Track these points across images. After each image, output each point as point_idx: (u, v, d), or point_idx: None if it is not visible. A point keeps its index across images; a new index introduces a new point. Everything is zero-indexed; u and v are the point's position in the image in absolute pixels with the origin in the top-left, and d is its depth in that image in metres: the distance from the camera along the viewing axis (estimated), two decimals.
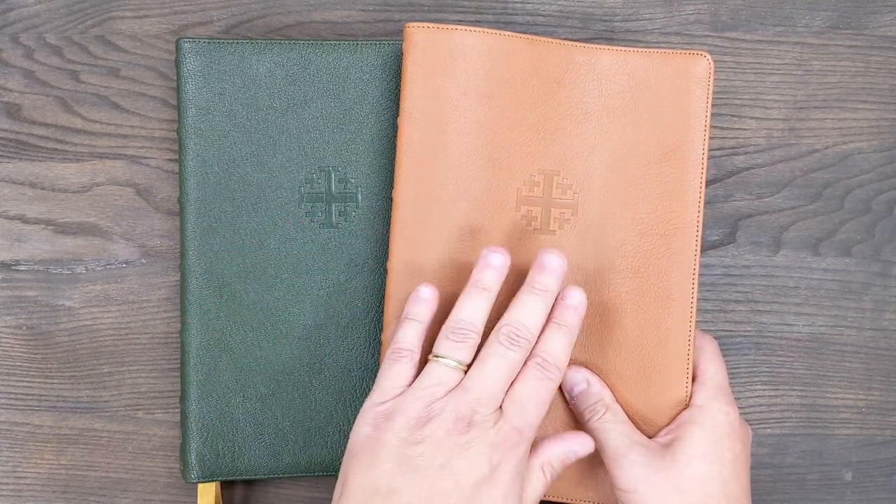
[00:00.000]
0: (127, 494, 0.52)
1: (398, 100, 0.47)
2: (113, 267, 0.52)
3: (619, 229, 0.47)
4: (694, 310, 0.47)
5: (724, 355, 0.53)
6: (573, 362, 0.47)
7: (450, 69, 0.45)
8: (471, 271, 0.44)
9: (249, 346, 0.48)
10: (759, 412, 0.53)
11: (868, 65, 0.54)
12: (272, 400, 0.48)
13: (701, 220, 0.47)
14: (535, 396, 0.40)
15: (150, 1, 0.52)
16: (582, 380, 0.46)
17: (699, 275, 0.53)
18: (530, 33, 0.47)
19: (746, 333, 0.54)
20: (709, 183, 0.54)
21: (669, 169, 0.47)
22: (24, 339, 0.52)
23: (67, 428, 0.52)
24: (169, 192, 0.52)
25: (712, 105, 0.53)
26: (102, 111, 0.52)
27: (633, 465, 0.43)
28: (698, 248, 0.47)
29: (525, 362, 0.41)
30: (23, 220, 0.52)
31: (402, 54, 0.46)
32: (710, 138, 0.54)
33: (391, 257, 0.46)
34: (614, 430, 0.44)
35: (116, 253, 0.52)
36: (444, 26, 0.45)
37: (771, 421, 0.53)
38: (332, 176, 0.48)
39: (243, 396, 0.47)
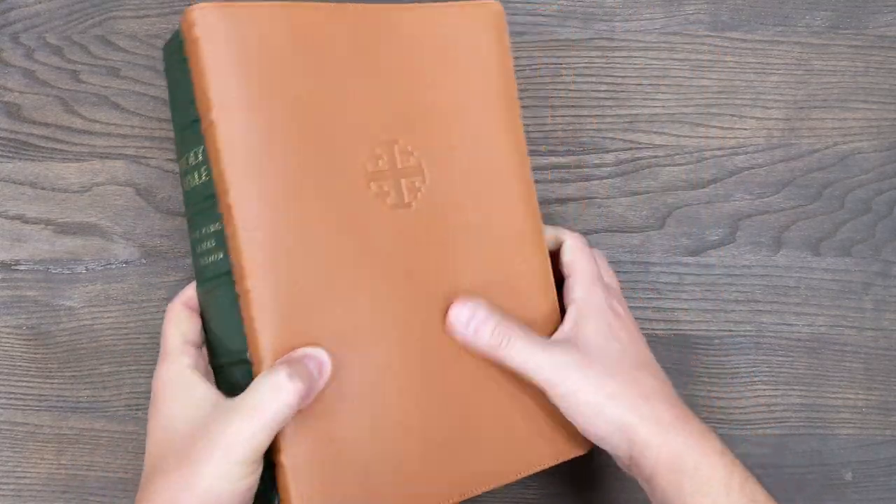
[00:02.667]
0: (127, 494, 0.52)
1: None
2: (113, 267, 0.52)
3: (466, 180, 0.45)
4: (537, 212, 0.47)
5: (724, 355, 0.53)
6: (450, 294, 0.44)
7: (259, 49, 0.40)
8: (343, 271, 0.41)
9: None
10: (759, 412, 0.53)
11: (868, 65, 0.54)
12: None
13: (525, 150, 0.47)
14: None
15: (150, 1, 0.52)
16: (468, 313, 0.43)
17: (698, 274, 0.54)
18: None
19: (746, 333, 0.54)
20: (709, 183, 0.54)
21: (493, 113, 0.46)
22: (24, 339, 0.52)
23: (67, 428, 0.52)
24: (169, 192, 0.52)
25: (714, 104, 0.53)
26: (102, 111, 0.52)
27: (560, 367, 0.42)
28: (528, 166, 0.47)
29: None
30: (23, 220, 0.52)
31: (182, 41, 0.40)
32: (711, 138, 0.54)
33: (244, 279, 0.39)
34: (527, 349, 0.43)
35: (116, 253, 0.52)
36: (238, 4, 0.40)
37: (771, 421, 0.53)
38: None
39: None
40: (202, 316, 0.43)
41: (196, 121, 0.40)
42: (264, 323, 0.39)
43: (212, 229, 0.42)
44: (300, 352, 0.39)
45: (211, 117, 0.39)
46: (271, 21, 0.41)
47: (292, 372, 0.37)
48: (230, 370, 0.41)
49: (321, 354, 0.39)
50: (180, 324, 0.42)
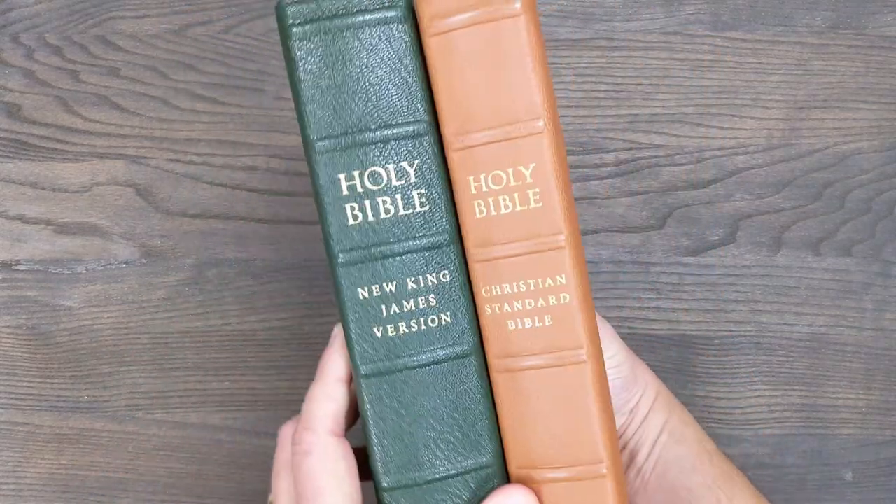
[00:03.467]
0: (127, 494, 0.52)
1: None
2: (113, 267, 0.52)
3: None
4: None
5: (724, 355, 0.53)
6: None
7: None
8: None
9: None
10: (759, 412, 0.53)
11: (868, 65, 0.54)
12: None
13: None
14: None
15: (150, 1, 0.52)
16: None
17: (698, 274, 0.54)
18: None
19: (747, 333, 0.54)
20: (709, 183, 0.54)
21: None
22: (24, 339, 0.52)
23: (67, 428, 0.52)
24: (169, 192, 0.52)
25: (714, 104, 0.53)
26: (102, 111, 0.52)
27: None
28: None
29: None
30: (23, 220, 0.52)
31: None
32: (711, 138, 0.54)
33: (579, 348, 0.30)
34: None
35: (116, 253, 0.52)
36: None
37: (771, 421, 0.53)
38: None
39: None
40: (363, 410, 0.31)
41: (418, 122, 0.30)
42: (603, 415, 0.30)
43: (428, 282, 0.30)
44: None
45: (536, 125, 0.29)
46: None
47: None
48: (430, 487, 0.31)
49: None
50: (342, 482, 0.30)
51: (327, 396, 0.31)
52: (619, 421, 0.42)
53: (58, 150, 0.52)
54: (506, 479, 0.31)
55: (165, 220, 0.52)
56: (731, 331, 0.54)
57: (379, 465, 0.31)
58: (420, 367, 0.30)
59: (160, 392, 0.52)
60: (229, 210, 0.52)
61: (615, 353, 0.40)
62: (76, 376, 0.52)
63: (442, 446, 0.30)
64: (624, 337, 0.45)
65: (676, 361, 0.53)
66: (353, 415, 0.33)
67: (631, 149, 0.53)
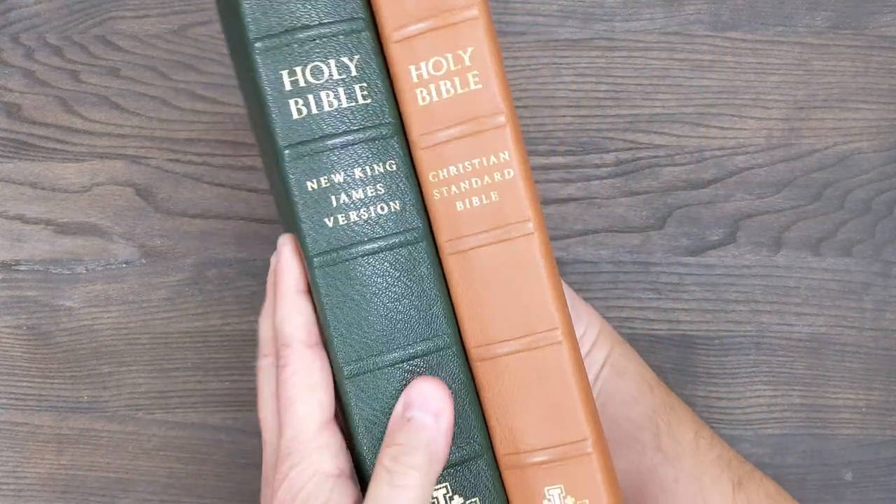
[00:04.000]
0: (127, 494, 0.52)
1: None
2: (113, 267, 0.52)
3: None
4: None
5: (724, 355, 0.53)
6: None
7: None
8: None
9: None
10: (760, 412, 0.53)
11: (868, 65, 0.54)
12: None
13: None
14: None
15: (150, 1, 0.52)
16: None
17: (699, 274, 0.54)
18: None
19: (747, 333, 0.54)
20: (709, 183, 0.54)
21: None
22: (24, 339, 0.52)
23: (67, 428, 0.52)
24: (169, 192, 0.52)
25: (714, 104, 0.53)
26: (102, 111, 0.52)
27: None
28: None
29: None
30: (23, 220, 0.52)
31: None
32: (711, 138, 0.54)
33: (527, 221, 0.31)
34: None
35: (116, 253, 0.52)
36: None
37: (771, 421, 0.53)
38: None
39: None
40: (319, 302, 0.32)
41: (355, 19, 0.31)
42: (554, 283, 0.31)
43: (375, 171, 0.31)
44: None
45: (471, 13, 0.30)
46: None
47: None
48: (392, 371, 0.32)
49: None
50: (315, 390, 0.31)
51: (294, 310, 0.31)
52: None
53: (58, 150, 0.52)
54: (464, 359, 0.32)
55: (165, 220, 0.52)
56: (731, 331, 0.54)
57: (339, 353, 0.31)
58: (373, 254, 0.31)
59: (160, 392, 0.52)
60: (229, 210, 0.52)
61: None
62: (76, 376, 0.52)
63: (401, 332, 0.31)
64: (624, 337, 0.45)
65: (676, 361, 0.53)
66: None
67: (631, 149, 0.53)
